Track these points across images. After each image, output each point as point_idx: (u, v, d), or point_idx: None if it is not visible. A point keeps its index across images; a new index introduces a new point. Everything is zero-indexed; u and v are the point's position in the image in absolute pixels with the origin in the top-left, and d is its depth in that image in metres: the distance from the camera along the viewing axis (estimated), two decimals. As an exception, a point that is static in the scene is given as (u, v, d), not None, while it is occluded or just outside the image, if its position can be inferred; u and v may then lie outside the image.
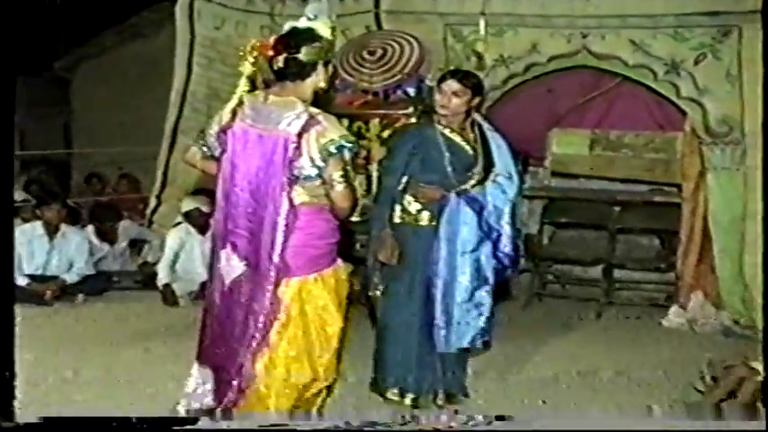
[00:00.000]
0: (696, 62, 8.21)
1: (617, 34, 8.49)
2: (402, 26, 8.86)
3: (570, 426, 5.29)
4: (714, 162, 8.27)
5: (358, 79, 8.27)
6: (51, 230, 9.41)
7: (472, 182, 5.74)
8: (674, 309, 8.62)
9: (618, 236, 9.21)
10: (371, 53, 8.38)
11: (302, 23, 4.84)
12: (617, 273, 9.46)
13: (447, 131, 5.76)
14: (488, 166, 5.78)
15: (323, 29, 4.82)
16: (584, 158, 9.47)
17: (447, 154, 5.71)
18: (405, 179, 5.77)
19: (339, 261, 4.97)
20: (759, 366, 5.71)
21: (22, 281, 8.86)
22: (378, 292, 5.93)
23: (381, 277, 5.87)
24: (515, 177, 5.86)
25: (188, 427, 4.79)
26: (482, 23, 7.87)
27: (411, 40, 8.43)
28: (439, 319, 5.73)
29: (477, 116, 5.90)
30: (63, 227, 9.50)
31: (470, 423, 4.94)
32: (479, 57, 8.49)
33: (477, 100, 5.83)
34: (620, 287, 9.52)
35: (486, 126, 5.95)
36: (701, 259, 8.58)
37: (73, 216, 10.40)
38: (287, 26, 4.89)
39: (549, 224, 9.70)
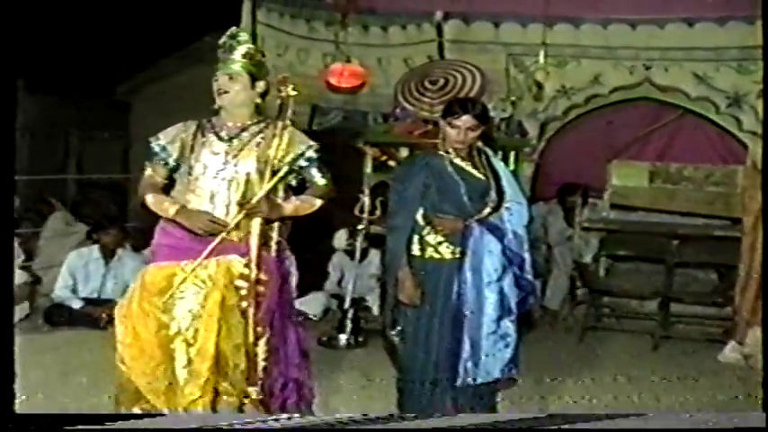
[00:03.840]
0: (759, 95, 8.16)
1: (680, 66, 8.50)
2: (464, 56, 8.90)
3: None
4: (775, 196, 8.21)
5: (419, 108, 8.33)
6: (108, 254, 9.45)
7: (488, 210, 5.54)
8: (730, 344, 8.52)
9: (675, 269, 9.14)
10: (433, 82, 8.44)
11: None
12: (673, 306, 9.37)
13: (457, 160, 5.55)
14: (500, 192, 5.60)
15: None
16: (643, 191, 9.43)
17: (461, 183, 5.51)
18: (421, 211, 5.54)
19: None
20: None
21: (76, 304, 8.94)
22: (393, 333, 5.72)
23: (399, 315, 5.67)
24: (525, 203, 5.70)
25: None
26: (542, 53, 7.86)
27: (473, 69, 8.47)
28: (466, 352, 5.52)
29: (479, 143, 5.67)
30: (119, 251, 9.53)
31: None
32: (539, 86, 8.50)
33: (483, 128, 5.64)
34: (676, 321, 9.42)
35: (490, 153, 5.77)
36: (759, 294, 8.50)
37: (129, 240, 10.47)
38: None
39: (606, 256, 9.64)
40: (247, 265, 5.10)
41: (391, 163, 8.28)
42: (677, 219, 9.50)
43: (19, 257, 10.38)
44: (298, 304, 9.18)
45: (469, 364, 5.53)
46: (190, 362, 5.07)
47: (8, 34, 4.57)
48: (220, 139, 5.14)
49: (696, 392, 7.33)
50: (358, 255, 8.86)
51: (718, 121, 8.56)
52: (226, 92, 5.10)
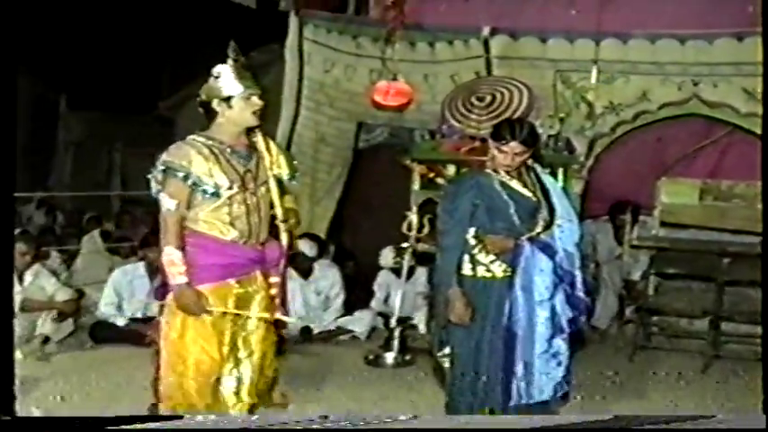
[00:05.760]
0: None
1: (729, 82, 8.43)
2: (512, 72, 8.89)
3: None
4: (827, 213, 8.09)
5: (466, 125, 8.26)
6: (153, 271, 9.31)
7: (539, 228, 5.52)
8: (783, 364, 8.41)
9: (726, 287, 9.01)
10: (480, 99, 8.37)
11: None
12: (724, 326, 9.22)
13: (506, 179, 5.51)
14: (551, 210, 5.57)
15: None
16: (693, 208, 9.30)
17: (510, 202, 5.47)
18: (472, 231, 5.50)
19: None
20: None
21: (121, 321, 8.87)
22: (440, 354, 5.71)
23: (448, 336, 5.63)
24: (576, 220, 5.67)
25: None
26: (594, 72, 7.79)
27: (520, 86, 8.41)
28: (519, 372, 5.50)
29: (529, 160, 5.63)
30: (166, 268, 9.48)
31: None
32: (590, 105, 8.44)
33: (533, 150, 5.59)
34: (727, 340, 9.27)
35: (539, 169, 5.73)
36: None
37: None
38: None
39: (655, 275, 9.51)
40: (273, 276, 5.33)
41: (439, 180, 8.23)
42: (728, 236, 9.32)
43: (62, 273, 10.42)
44: (344, 322, 9.27)
45: (523, 384, 5.52)
46: (240, 373, 5.22)
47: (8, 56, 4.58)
48: (240, 157, 5.12)
49: (748, 412, 7.24)
50: (405, 273, 8.80)
51: (768, 138, 8.44)
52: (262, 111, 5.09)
